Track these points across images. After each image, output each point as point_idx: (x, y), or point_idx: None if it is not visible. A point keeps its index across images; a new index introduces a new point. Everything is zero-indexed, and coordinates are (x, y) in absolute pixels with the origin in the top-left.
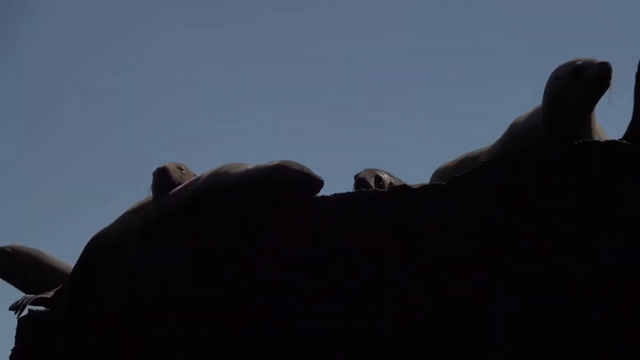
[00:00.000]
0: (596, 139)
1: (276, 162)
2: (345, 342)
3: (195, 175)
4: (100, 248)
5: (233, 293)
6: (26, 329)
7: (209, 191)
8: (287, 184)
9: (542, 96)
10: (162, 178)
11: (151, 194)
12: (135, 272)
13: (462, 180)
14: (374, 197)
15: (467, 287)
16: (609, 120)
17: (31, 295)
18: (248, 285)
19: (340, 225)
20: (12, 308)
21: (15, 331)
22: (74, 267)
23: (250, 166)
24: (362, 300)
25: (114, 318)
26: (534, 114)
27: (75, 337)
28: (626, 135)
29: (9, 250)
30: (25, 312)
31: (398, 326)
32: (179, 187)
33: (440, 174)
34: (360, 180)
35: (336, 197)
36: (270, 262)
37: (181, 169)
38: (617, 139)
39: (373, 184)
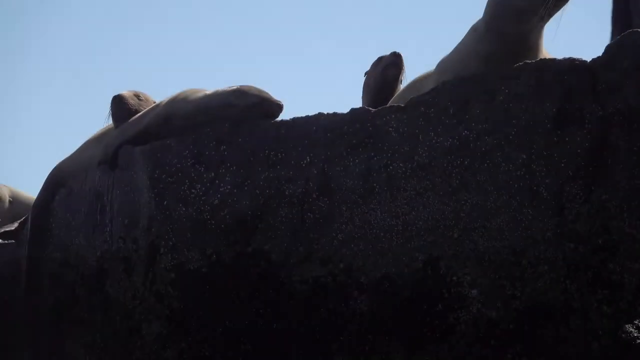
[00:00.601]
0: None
1: (235, 87)
2: (300, 262)
3: (154, 103)
4: (62, 177)
5: (194, 213)
6: None
7: (168, 117)
8: (246, 109)
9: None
10: (119, 106)
11: (110, 122)
12: (99, 197)
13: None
14: (331, 119)
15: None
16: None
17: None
18: (208, 206)
19: (298, 149)
20: None
21: None
22: (37, 197)
23: (209, 91)
24: (319, 223)
25: (76, 246)
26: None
27: (38, 266)
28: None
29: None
30: None
31: (359, 248)
32: (138, 115)
33: (409, 88)
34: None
35: (295, 120)
36: (229, 185)
37: (138, 97)
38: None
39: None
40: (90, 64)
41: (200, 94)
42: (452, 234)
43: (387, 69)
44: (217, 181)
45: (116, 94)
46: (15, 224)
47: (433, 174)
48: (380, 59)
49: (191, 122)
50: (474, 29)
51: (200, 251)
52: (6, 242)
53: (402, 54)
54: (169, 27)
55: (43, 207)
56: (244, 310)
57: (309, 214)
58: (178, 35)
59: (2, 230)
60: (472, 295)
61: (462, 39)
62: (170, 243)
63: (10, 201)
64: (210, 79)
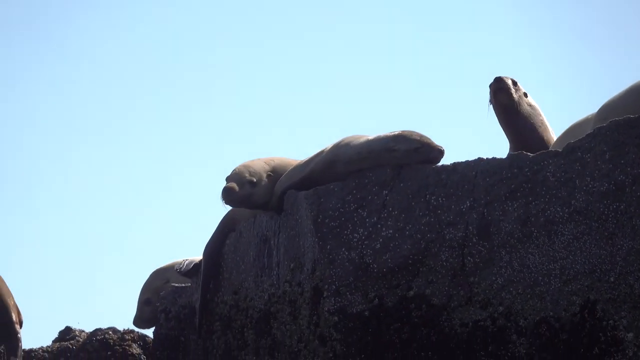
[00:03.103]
0: None
1: (396, 132)
2: (460, 306)
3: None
4: (233, 221)
5: (357, 257)
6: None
7: (332, 162)
8: (407, 154)
9: None
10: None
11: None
12: (266, 241)
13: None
14: (490, 164)
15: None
16: None
17: (190, 260)
18: (370, 250)
19: (458, 193)
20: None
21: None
22: (209, 240)
23: (370, 137)
24: (479, 267)
25: (245, 289)
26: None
27: (210, 309)
28: None
29: None
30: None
31: (518, 292)
32: (304, 161)
33: (568, 132)
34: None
35: (456, 165)
36: (391, 229)
37: (252, 182)
38: None
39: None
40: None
41: (362, 139)
42: (608, 277)
43: (495, 97)
44: (379, 225)
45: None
46: (192, 264)
47: (590, 219)
48: None
49: (354, 167)
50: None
51: (362, 295)
52: (183, 285)
53: (503, 77)
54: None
55: (215, 250)
56: (405, 353)
57: (469, 257)
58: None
59: (185, 269)
60: (628, 339)
61: (632, 86)
62: (334, 287)
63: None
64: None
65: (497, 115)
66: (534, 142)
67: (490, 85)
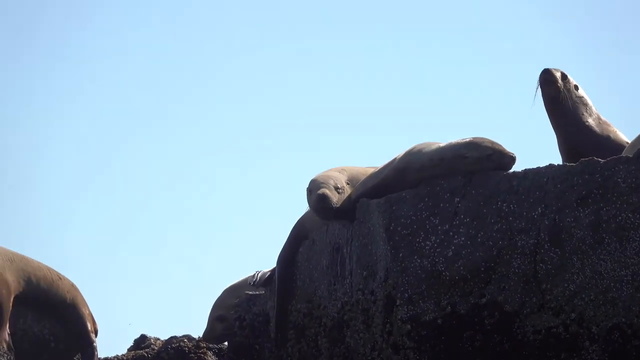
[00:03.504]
0: None
1: (468, 139)
2: (533, 313)
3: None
4: (305, 229)
5: (429, 265)
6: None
7: (404, 170)
8: (479, 161)
9: None
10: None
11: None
12: (339, 249)
13: None
14: (561, 170)
15: None
16: None
17: (263, 272)
18: (443, 258)
19: (530, 200)
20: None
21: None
22: (283, 248)
23: (442, 144)
24: (551, 273)
25: (318, 297)
26: None
27: (285, 318)
28: None
29: None
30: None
31: (590, 299)
32: (378, 169)
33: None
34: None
35: (527, 172)
36: (463, 237)
37: (338, 188)
38: None
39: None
40: None
41: (434, 147)
42: None
43: (542, 89)
44: (451, 233)
45: (320, 191)
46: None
47: None
48: None
49: (426, 174)
50: None
51: (435, 302)
52: (257, 292)
53: (551, 69)
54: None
55: (289, 259)
56: None
57: (541, 264)
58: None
59: (260, 282)
60: None
61: None
62: (406, 295)
63: None
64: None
65: (545, 108)
66: (582, 137)
67: (539, 77)
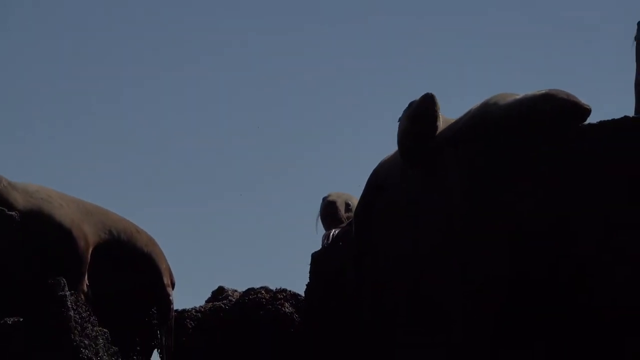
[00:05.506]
0: None
1: (543, 91)
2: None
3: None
4: (380, 179)
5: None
6: (318, 265)
7: (481, 121)
8: (555, 113)
9: None
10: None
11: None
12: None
13: None
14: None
15: None
16: None
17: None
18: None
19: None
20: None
21: (309, 267)
22: (359, 201)
23: (518, 96)
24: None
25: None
26: None
27: (362, 272)
28: None
29: None
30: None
31: None
32: (455, 120)
33: None
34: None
35: (601, 124)
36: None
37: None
38: None
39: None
40: None
41: (510, 99)
42: None
43: None
44: (529, 188)
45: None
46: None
47: None
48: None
49: (503, 126)
50: None
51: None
52: (334, 245)
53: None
54: None
55: (365, 210)
56: None
57: None
58: None
59: (334, 237)
60: None
61: None
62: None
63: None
64: None
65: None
66: None
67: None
